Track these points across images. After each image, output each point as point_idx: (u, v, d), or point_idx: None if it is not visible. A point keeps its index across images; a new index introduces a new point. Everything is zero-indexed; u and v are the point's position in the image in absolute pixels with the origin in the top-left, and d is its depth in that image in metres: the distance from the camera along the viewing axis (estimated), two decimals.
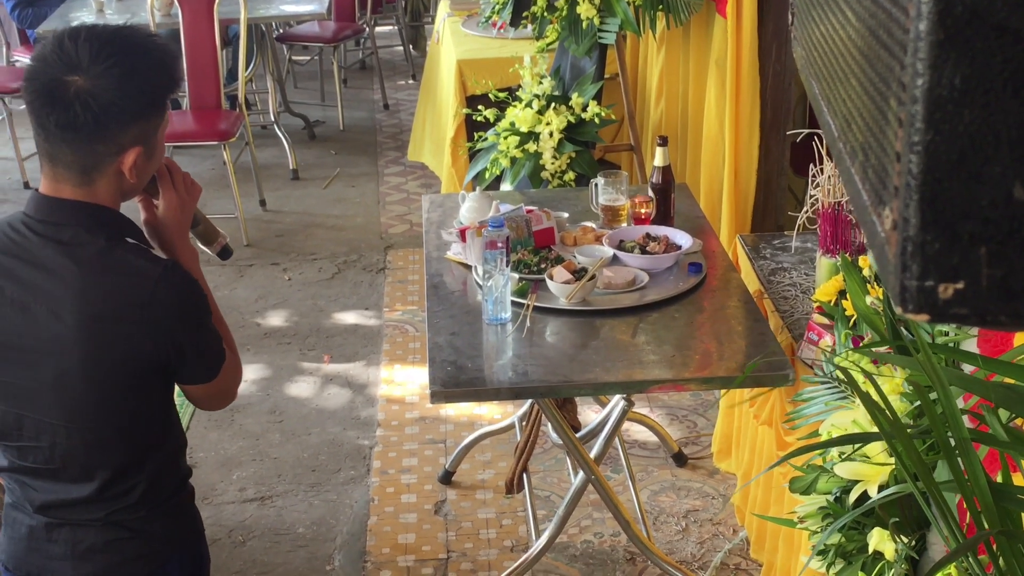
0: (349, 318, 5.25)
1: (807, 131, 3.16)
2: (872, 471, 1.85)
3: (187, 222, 2.17)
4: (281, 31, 8.00)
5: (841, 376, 1.94)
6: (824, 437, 2.10)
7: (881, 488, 1.85)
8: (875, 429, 1.80)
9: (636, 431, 4.17)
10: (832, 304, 2.75)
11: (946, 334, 2.00)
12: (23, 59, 7.14)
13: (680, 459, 4.02)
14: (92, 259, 1.95)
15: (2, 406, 2.06)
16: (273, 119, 7.28)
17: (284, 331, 5.14)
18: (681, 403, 4.40)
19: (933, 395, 1.63)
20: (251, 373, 4.78)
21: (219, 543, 3.74)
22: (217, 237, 2.29)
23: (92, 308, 1.94)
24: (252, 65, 6.90)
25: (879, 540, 1.82)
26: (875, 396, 1.44)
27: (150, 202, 2.14)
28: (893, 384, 1.94)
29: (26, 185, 6.75)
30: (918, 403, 1.83)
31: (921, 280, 0.78)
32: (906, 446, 1.34)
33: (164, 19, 6.35)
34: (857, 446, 1.91)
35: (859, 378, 1.87)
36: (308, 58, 8.94)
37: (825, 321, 2.87)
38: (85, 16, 6.71)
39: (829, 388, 2.41)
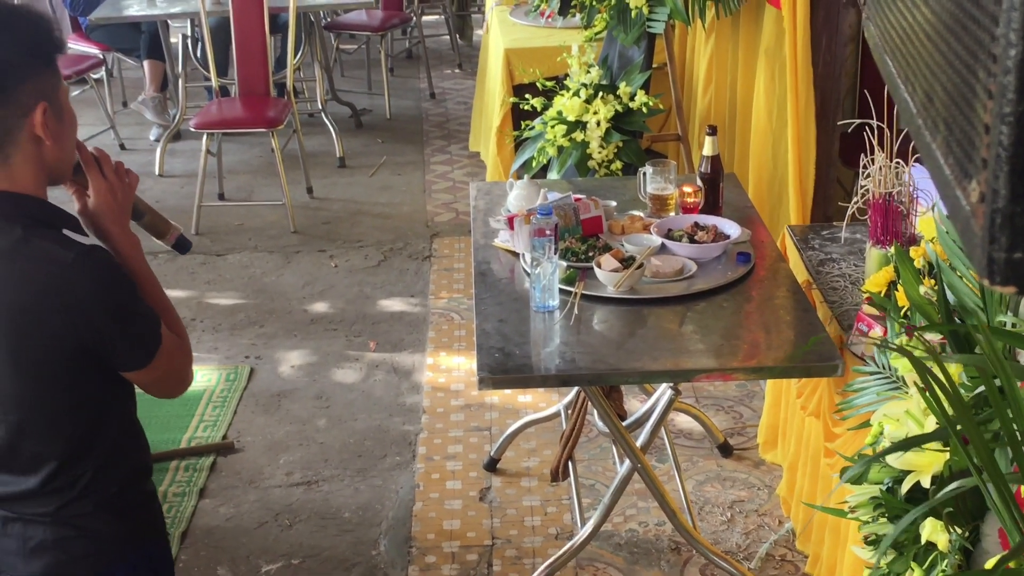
0: (395, 305, 5.27)
1: (858, 121, 3.14)
2: (925, 461, 1.84)
3: (123, 210, 2.10)
4: (329, 19, 8.03)
5: (899, 364, 1.93)
6: (876, 428, 2.09)
7: (935, 479, 1.84)
8: (929, 419, 1.80)
9: (682, 421, 4.16)
10: (882, 295, 2.74)
11: (1003, 324, 1.99)
12: (76, 47, 7.21)
13: (726, 449, 4.01)
14: (8, 249, 1.92)
15: None
16: (320, 107, 7.32)
17: (330, 318, 5.17)
18: (727, 393, 4.38)
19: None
20: (298, 359, 4.81)
21: (266, 526, 3.77)
22: (169, 229, 2.22)
23: (8, 300, 1.92)
24: (300, 53, 6.93)
25: (932, 531, 1.81)
26: (937, 384, 1.43)
27: (82, 192, 2.10)
28: (954, 372, 1.93)
29: None
30: (976, 392, 1.82)
31: (1010, 252, 0.77)
32: (973, 436, 1.33)
33: (214, 7, 6.40)
34: (908, 435, 1.90)
35: (913, 368, 1.85)
36: (355, 47, 8.97)
37: (875, 312, 2.85)
38: (136, 5, 6.77)
39: (880, 378, 2.40)
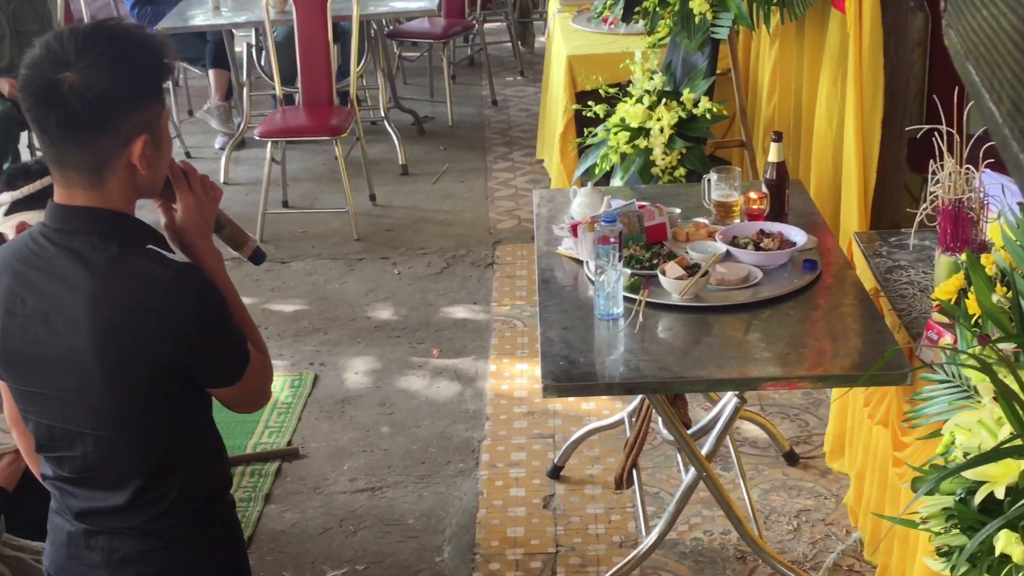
0: (458, 312, 5.28)
1: (927, 127, 3.10)
2: (1000, 471, 1.81)
3: (208, 225, 2.11)
4: (391, 27, 8.07)
5: (971, 374, 1.91)
6: (947, 437, 2.06)
7: (1009, 489, 1.81)
8: (1003, 429, 1.77)
9: (747, 429, 4.13)
10: (952, 303, 2.70)
11: None
12: None
13: (791, 458, 3.97)
14: (105, 267, 1.93)
15: (35, 417, 2.07)
16: (383, 115, 7.35)
17: (394, 324, 5.19)
18: (792, 401, 4.35)
19: None
20: (361, 365, 4.84)
21: (330, 532, 3.79)
22: (247, 241, 2.23)
23: (105, 317, 1.92)
24: (363, 61, 6.97)
25: (1007, 543, 1.78)
26: (1011, 394, 1.41)
27: (168, 206, 2.10)
28: None
29: None
30: None
31: None
32: None
33: (278, 16, 6.45)
34: (982, 446, 1.87)
35: (987, 377, 1.83)
36: (418, 54, 9.01)
37: (945, 320, 2.81)
38: (201, 15, 6.85)
39: (950, 387, 2.37)
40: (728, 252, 3.27)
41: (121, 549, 2.07)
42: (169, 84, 7.61)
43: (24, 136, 6.34)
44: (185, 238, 2.09)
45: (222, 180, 6.88)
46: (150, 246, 2.00)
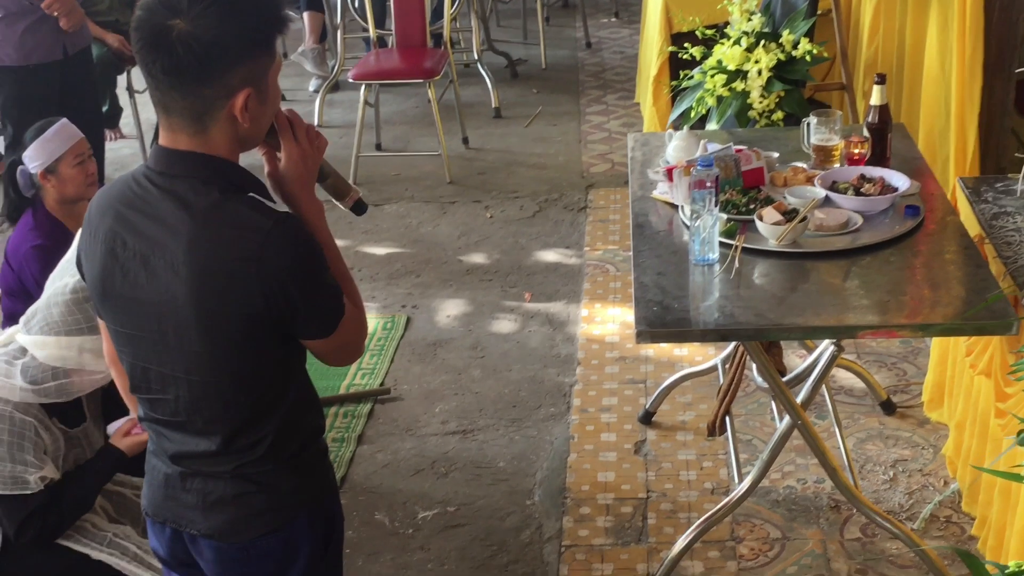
0: (550, 256, 5.26)
1: None
2: None
3: (311, 175, 2.09)
4: None
5: None
6: None
7: None
8: None
9: (843, 377, 4.07)
10: None
11: None
12: None
13: (888, 407, 3.91)
14: (205, 212, 1.92)
15: (129, 358, 2.09)
16: (476, 57, 7.31)
17: (486, 268, 5.19)
18: (890, 350, 4.27)
19: None
20: (453, 309, 4.85)
21: (422, 474, 3.82)
22: (349, 191, 2.20)
23: (203, 263, 1.92)
24: (457, 3, 6.93)
25: None
26: None
27: (273, 154, 2.09)
28: None
29: None
30: None
31: None
32: None
33: None
34: None
35: None
36: None
37: None
38: None
39: None
40: (827, 197, 3.20)
41: (215, 492, 2.10)
42: None
43: (122, 79, 6.41)
44: (287, 188, 2.07)
45: (316, 123, 6.92)
46: (251, 194, 1.99)
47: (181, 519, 2.14)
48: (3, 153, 5.86)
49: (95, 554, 3.06)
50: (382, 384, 4.33)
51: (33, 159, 3.77)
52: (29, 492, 2.89)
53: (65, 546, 3.06)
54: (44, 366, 2.87)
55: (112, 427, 3.13)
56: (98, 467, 3.05)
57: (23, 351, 2.90)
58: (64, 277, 2.87)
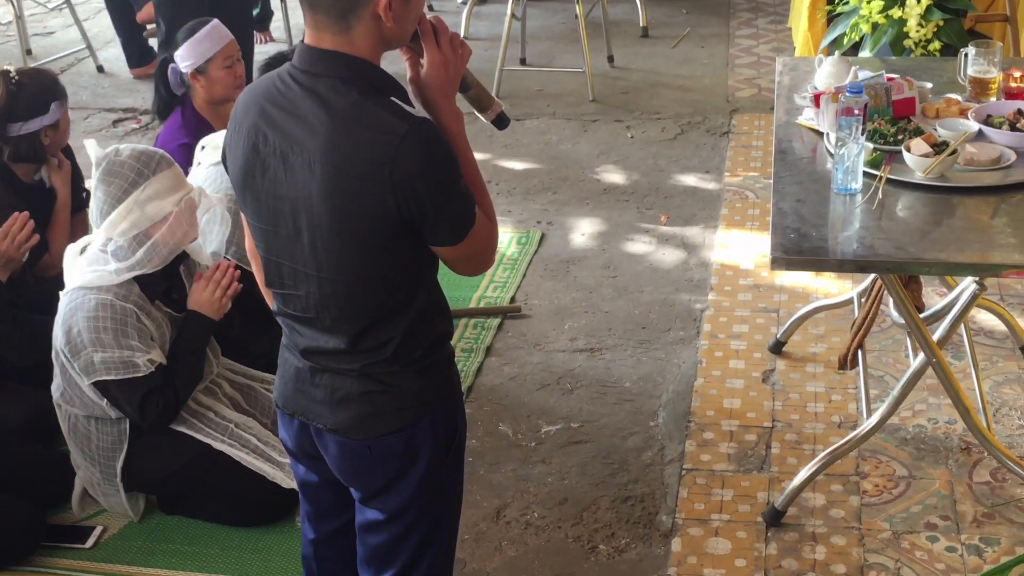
0: (689, 180, 5.20)
1: None
2: None
3: (452, 83, 2.07)
4: None
5: None
6: None
7: None
8: None
9: (983, 318, 3.96)
10: None
11: None
12: None
13: None
14: (344, 112, 1.94)
15: (265, 253, 2.12)
16: None
17: (623, 188, 5.16)
18: None
19: None
20: (588, 227, 4.84)
21: (547, 388, 3.84)
22: (491, 104, 2.18)
23: (339, 161, 1.93)
24: None
25: None
26: None
27: (416, 60, 2.08)
28: None
29: None
30: None
31: None
32: None
33: None
34: None
35: None
36: None
37: None
38: None
39: None
40: (980, 131, 3.09)
41: (343, 388, 2.14)
42: None
43: None
44: (428, 94, 2.07)
45: (462, 35, 6.91)
46: (391, 98, 1.99)
47: (309, 412, 2.19)
48: (156, 51, 5.99)
49: (216, 444, 3.18)
50: (513, 299, 4.35)
51: (184, 59, 3.85)
52: (141, 375, 3.00)
53: (190, 436, 3.17)
54: (126, 241, 3.03)
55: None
56: (187, 337, 3.18)
57: (106, 241, 3.05)
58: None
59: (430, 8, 7.38)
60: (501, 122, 2.21)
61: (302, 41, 2.03)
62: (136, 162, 3.02)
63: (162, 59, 3.98)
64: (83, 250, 3.14)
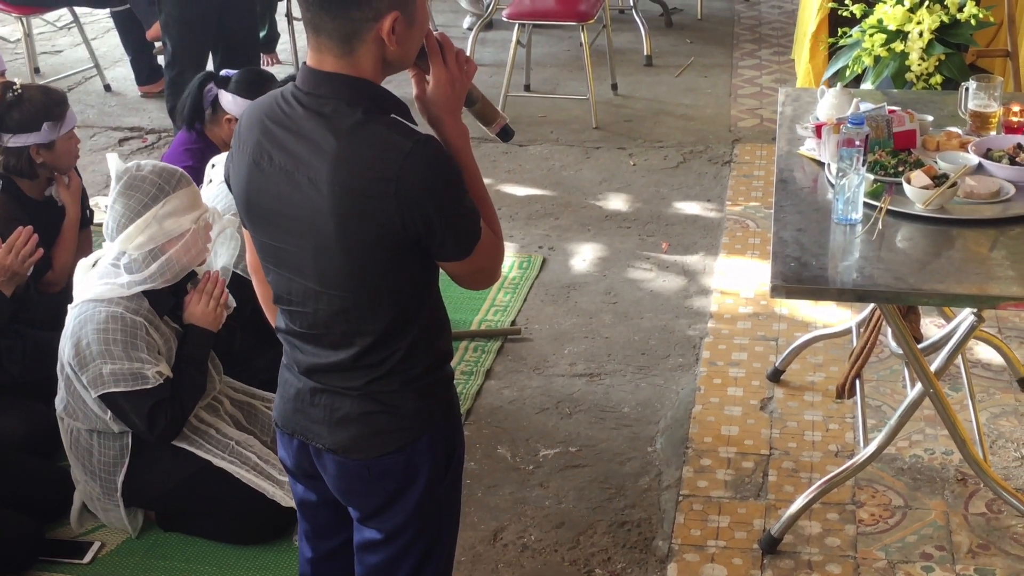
0: (690, 208, 5.23)
1: None
2: None
3: (459, 100, 2.10)
4: None
5: None
6: None
7: None
8: None
9: (981, 350, 3.98)
10: None
11: None
12: None
13: None
14: (349, 132, 1.95)
15: (275, 271, 2.14)
16: (632, 4, 7.26)
17: (625, 215, 5.18)
18: None
19: None
20: (589, 253, 4.86)
21: (546, 412, 3.86)
22: (496, 117, 2.21)
23: (345, 181, 1.95)
24: None
25: None
26: None
27: (421, 77, 2.10)
28: None
29: None
30: None
31: None
32: None
33: None
34: None
35: None
36: None
37: None
38: None
39: None
40: (980, 164, 3.12)
41: (342, 408, 2.16)
42: None
43: (281, 6, 6.53)
44: (433, 111, 2.09)
45: None
46: (394, 115, 2.02)
47: (308, 432, 2.21)
48: (164, 70, 6.02)
49: (216, 461, 3.19)
50: (514, 322, 4.37)
51: (230, 104, 3.85)
52: (150, 386, 3.02)
53: (191, 452, 3.19)
54: (140, 255, 3.05)
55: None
56: (188, 350, 3.20)
57: (119, 254, 3.07)
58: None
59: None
60: (506, 134, 2.24)
61: (304, 63, 2.06)
62: (157, 177, 3.05)
63: (203, 76, 3.93)
64: (95, 264, 3.17)
